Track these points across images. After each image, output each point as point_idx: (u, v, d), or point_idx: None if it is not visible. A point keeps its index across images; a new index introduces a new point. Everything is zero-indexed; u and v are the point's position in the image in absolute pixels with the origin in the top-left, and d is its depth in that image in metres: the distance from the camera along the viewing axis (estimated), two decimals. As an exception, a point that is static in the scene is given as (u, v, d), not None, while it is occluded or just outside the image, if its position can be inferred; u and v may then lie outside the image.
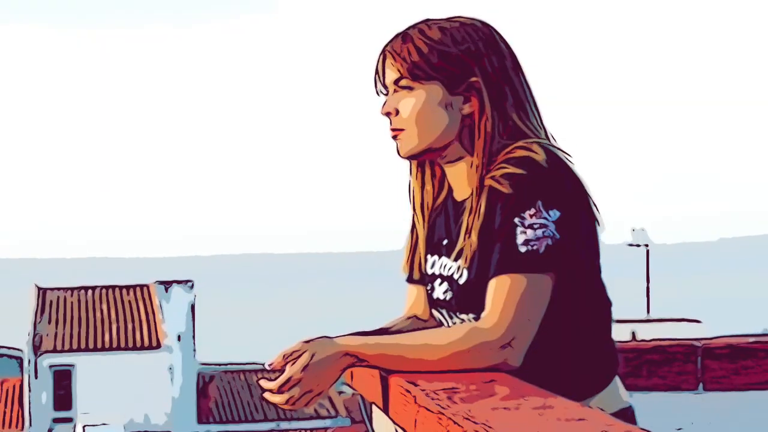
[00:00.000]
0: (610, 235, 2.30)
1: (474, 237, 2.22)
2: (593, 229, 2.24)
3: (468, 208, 2.25)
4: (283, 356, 2.17)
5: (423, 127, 2.29)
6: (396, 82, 2.30)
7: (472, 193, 2.26)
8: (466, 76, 2.27)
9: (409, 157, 2.34)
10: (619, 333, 2.36)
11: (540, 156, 2.17)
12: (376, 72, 2.35)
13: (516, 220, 2.16)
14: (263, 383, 2.20)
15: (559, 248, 2.15)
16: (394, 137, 2.32)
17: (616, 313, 2.32)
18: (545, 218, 2.15)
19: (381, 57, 2.33)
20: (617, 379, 2.32)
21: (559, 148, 2.25)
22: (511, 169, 2.18)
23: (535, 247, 2.14)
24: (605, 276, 2.29)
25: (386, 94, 2.34)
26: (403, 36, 2.31)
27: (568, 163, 2.22)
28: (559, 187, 2.17)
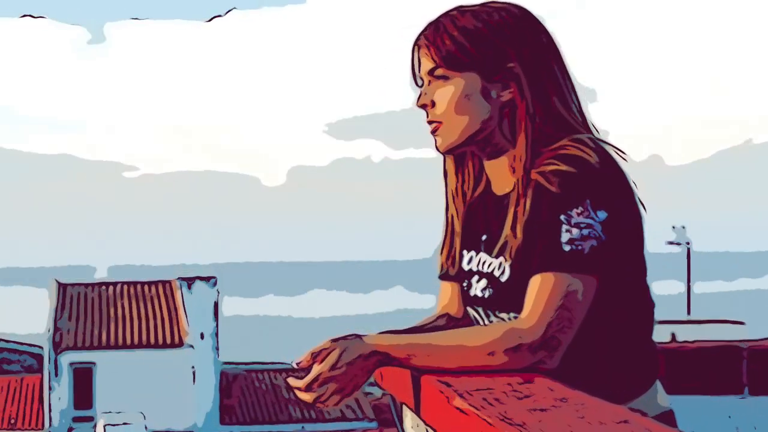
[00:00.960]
0: (651, 233, 2.29)
1: (519, 233, 2.20)
2: (639, 230, 2.23)
3: (513, 203, 2.24)
4: (311, 354, 2.17)
5: (460, 119, 2.27)
6: (430, 72, 2.29)
7: (515, 187, 2.24)
8: (502, 62, 2.25)
9: (448, 151, 2.32)
10: (659, 334, 2.35)
11: (591, 154, 2.16)
12: (411, 64, 2.33)
13: (562, 217, 2.14)
14: (291, 381, 2.20)
15: (604, 250, 2.14)
16: (433, 131, 2.31)
17: (656, 313, 2.30)
18: (592, 218, 2.14)
19: (414, 48, 2.32)
20: (658, 382, 2.30)
21: (608, 143, 2.23)
22: (561, 166, 2.16)
23: (579, 247, 2.13)
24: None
25: (422, 86, 2.33)
26: (436, 24, 2.30)
27: (618, 159, 2.21)
28: (608, 187, 2.16)
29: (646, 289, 2.28)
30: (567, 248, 2.13)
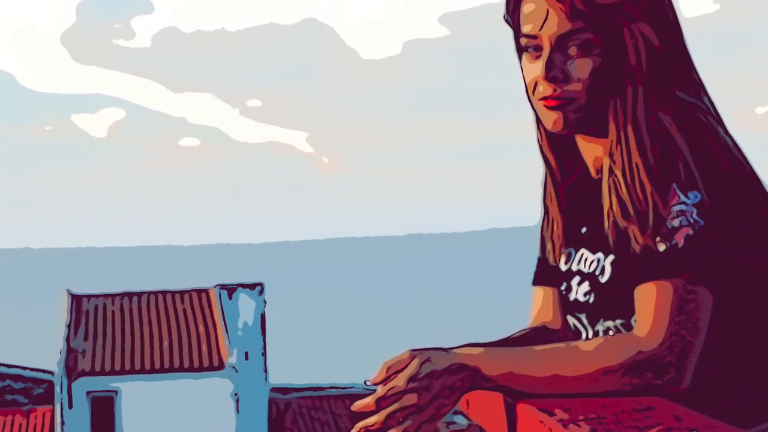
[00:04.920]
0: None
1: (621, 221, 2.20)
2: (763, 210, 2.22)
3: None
4: (387, 368, 2.15)
5: (597, 96, 2.23)
6: (566, 35, 2.22)
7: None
8: (623, 30, 2.21)
9: (568, 132, 2.29)
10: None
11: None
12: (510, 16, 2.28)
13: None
14: (356, 404, 2.17)
15: (703, 238, 2.13)
16: (554, 106, 2.24)
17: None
18: (683, 203, 2.14)
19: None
20: None
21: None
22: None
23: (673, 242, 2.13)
24: None
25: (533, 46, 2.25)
26: None
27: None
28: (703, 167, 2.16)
29: None
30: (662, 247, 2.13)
